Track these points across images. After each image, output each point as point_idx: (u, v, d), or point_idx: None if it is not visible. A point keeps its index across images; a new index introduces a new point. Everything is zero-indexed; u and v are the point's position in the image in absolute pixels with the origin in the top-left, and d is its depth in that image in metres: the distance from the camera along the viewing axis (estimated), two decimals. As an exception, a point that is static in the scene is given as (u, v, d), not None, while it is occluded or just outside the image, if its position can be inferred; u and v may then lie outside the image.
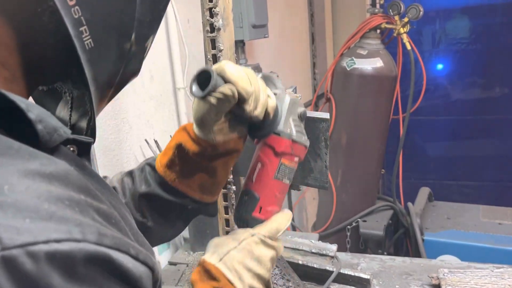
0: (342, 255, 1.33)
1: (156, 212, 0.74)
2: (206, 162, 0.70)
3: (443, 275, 1.15)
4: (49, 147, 0.40)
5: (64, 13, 0.41)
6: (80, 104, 0.48)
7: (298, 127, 0.74)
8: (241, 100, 0.64)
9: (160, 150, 1.36)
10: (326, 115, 0.87)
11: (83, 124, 0.50)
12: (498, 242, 1.96)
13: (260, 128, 0.71)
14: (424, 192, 2.45)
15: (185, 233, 1.53)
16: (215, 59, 0.94)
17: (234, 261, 0.64)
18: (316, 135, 0.88)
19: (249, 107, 0.65)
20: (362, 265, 1.30)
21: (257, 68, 1.91)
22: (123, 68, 0.50)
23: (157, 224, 0.74)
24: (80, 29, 0.42)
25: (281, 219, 0.70)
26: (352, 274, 1.14)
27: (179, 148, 0.70)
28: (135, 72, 0.54)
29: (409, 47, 2.14)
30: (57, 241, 0.32)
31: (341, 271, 1.15)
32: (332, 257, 1.20)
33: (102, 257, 0.34)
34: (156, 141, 1.36)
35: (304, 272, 1.16)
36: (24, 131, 0.39)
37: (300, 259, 1.19)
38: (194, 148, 0.69)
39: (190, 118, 1.56)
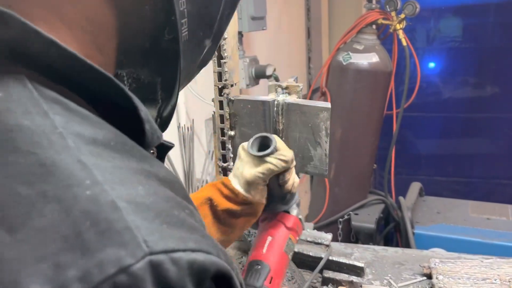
0: (335, 245, 1.35)
1: None
2: (230, 219, 0.75)
3: (434, 264, 1.18)
4: (149, 148, 0.39)
5: (174, 2, 0.40)
6: (141, 91, 0.45)
7: (299, 210, 0.85)
8: (287, 168, 0.73)
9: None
10: (327, 105, 0.89)
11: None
12: (486, 236, 2.01)
13: (278, 202, 0.81)
14: (415, 187, 2.49)
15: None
16: (219, 47, 0.95)
17: None
18: (316, 124, 0.90)
19: (288, 175, 0.74)
20: (356, 254, 1.33)
21: (254, 60, 1.92)
22: (199, 61, 0.50)
23: None
24: (182, 21, 0.42)
25: None
26: (347, 262, 1.16)
27: (209, 201, 0.75)
28: (204, 65, 0.54)
29: (404, 43, 2.17)
30: (193, 250, 0.30)
31: (336, 259, 1.17)
32: (327, 245, 1.22)
33: (226, 273, 0.32)
34: (155, 129, 1.37)
35: (300, 260, 1.18)
36: (129, 128, 0.36)
37: (296, 247, 1.21)
38: (225, 203, 0.74)
39: (188, 109, 1.58)
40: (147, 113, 0.37)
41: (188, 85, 1.67)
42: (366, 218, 2.26)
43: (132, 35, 0.42)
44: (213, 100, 1.01)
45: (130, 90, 0.44)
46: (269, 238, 0.78)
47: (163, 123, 0.47)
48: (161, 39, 0.42)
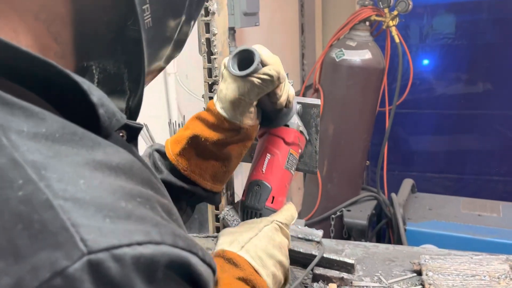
0: (327, 241, 1.36)
1: None
2: (221, 149, 0.70)
3: (424, 261, 1.18)
4: (107, 133, 0.37)
5: None
6: (109, 82, 0.45)
7: (299, 120, 0.78)
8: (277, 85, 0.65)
9: (150, 135, 1.37)
10: (317, 101, 0.88)
11: (115, 103, 0.46)
12: (477, 232, 2.02)
13: (275, 118, 0.74)
14: (407, 183, 2.50)
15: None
16: (208, 43, 0.95)
17: (257, 248, 0.62)
18: (307, 121, 0.90)
19: (280, 91, 0.66)
20: (347, 251, 1.33)
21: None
22: (169, 50, 0.48)
23: None
24: (144, 7, 0.40)
25: (292, 209, 0.71)
26: (337, 258, 1.16)
27: (194, 138, 0.69)
28: (175, 54, 0.53)
29: (397, 40, 2.17)
30: (139, 243, 0.28)
31: (326, 255, 1.17)
32: (318, 242, 1.22)
33: (181, 261, 0.31)
34: (146, 125, 1.36)
35: (290, 257, 1.18)
36: (82, 114, 0.35)
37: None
38: (212, 135, 0.68)
39: (179, 104, 1.57)
40: (101, 97, 0.36)
41: (179, 80, 1.65)
42: (359, 214, 2.27)
43: (90, 23, 0.41)
44: (203, 97, 1.00)
45: (98, 82, 0.44)
46: (268, 156, 0.72)
47: (132, 114, 0.46)
48: (125, 27, 0.41)
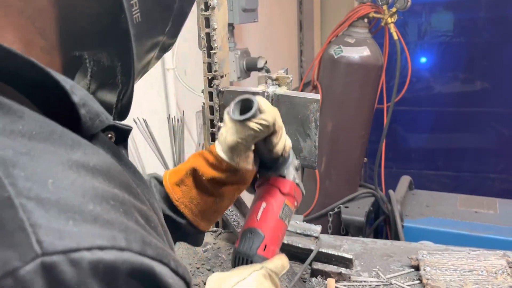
0: (325, 237, 1.36)
1: None
2: (216, 187, 0.72)
3: (422, 256, 1.19)
4: (90, 133, 0.37)
5: None
6: (102, 75, 0.45)
7: (297, 174, 0.80)
8: (273, 132, 0.69)
9: (148, 130, 1.37)
10: (316, 96, 0.89)
11: (107, 97, 0.47)
12: (474, 229, 2.03)
13: (271, 167, 0.76)
14: (405, 180, 2.50)
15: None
16: (208, 38, 0.95)
17: None
18: (306, 116, 0.90)
19: (276, 139, 0.70)
20: (345, 246, 1.33)
21: (246, 53, 1.92)
22: (161, 44, 0.49)
23: None
24: (131, 2, 0.40)
25: (284, 259, 0.72)
26: (335, 253, 1.17)
27: (193, 171, 0.72)
28: (169, 48, 0.53)
29: (396, 37, 2.17)
30: (101, 248, 0.28)
31: (325, 250, 1.18)
32: (316, 237, 1.23)
33: (145, 270, 0.30)
34: (145, 120, 1.36)
35: (289, 252, 1.18)
36: (64, 113, 0.35)
37: (285, 239, 1.21)
38: (209, 172, 0.71)
39: (178, 100, 1.57)
40: (84, 97, 0.36)
41: (178, 76, 1.65)
42: (356, 211, 2.27)
43: (76, 17, 0.41)
44: (202, 91, 1.00)
45: (92, 74, 0.45)
46: (263, 205, 0.74)
47: (123, 109, 0.47)
48: (115, 21, 0.42)
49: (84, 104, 0.36)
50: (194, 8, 1.02)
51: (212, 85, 0.97)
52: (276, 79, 0.94)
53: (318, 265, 1.18)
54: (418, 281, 1.14)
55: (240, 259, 0.71)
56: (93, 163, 0.32)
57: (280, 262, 0.70)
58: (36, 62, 0.34)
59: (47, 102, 0.36)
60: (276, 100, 0.92)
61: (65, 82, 0.35)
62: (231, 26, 1.82)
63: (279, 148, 0.72)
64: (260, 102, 0.68)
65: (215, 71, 0.96)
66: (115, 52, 0.44)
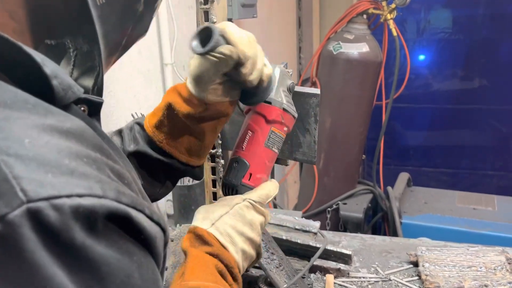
0: (323, 233, 1.36)
1: (145, 170, 0.74)
2: (195, 124, 0.71)
3: (421, 252, 1.19)
4: (63, 104, 0.39)
5: None
6: (84, 61, 0.47)
7: (287, 98, 0.77)
8: (239, 63, 0.64)
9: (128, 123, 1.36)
10: (316, 91, 0.88)
11: (86, 82, 0.49)
12: (472, 226, 2.03)
13: (252, 96, 0.72)
14: (403, 177, 2.50)
15: (169, 209, 1.53)
16: (207, 32, 0.94)
17: (226, 225, 0.65)
18: (306, 110, 0.89)
19: (245, 70, 0.65)
20: (343, 243, 1.33)
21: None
22: (131, 27, 0.50)
23: (147, 183, 0.75)
24: None
25: (270, 187, 0.72)
26: (334, 249, 1.17)
27: (169, 109, 0.70)
28: (142, 32, 0.54)
29: (395, 34, 2.16)
30: (79, 195, 0.31)
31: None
32: (315, 233, 1.22)
33: (121, 214, 0.34)
34: (143, 115, 1.35)
35: (288, 248, 1.18)
36: (37, 86, 0.37)
37: (284, 235, 1.21)
38: (184, 108, 0.69)
39: (177, 95, 1.56)
40: (55, 69, 0.38)
41: (176, 71, 1.64)
42: (354, 207, 2.27)
43: (47, 0, 0.43)
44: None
45: (75, 63, 0.47)
46: (249, 133, 0.73)
47: (98, 90, 0.48)
48: (79, 4, 0.43)
49: (56, 76, 0.38)
50: (194, 2, 1.01)
51: (211, 79, 0.97)
52: (276, 74, 0.94)
53: (317, 261, 1.17)
54: (417, 277, 1.14)
55: (227, 189, 0.71)
56: (66, 127, 0.35)
57: (265, 191, 0.70)
58: (9, 37, 0.36)
59: (21, 75, 0.38)
60: (275, 95, 0.92)
61: (37, 55, 0.37)
62: (229, 21, 1.81)
63: (252, 78, 0.67)
64: (226, 30, 0.63)
65: (214, 65, 0.95)
66: (89, 36, 0.45)
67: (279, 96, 0.75)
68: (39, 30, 0.44)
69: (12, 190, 0.29)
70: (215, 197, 1.09)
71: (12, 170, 0.30)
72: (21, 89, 0.36)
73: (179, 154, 0.73)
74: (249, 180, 0.71)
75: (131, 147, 0.73)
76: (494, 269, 1.10)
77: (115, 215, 0.33)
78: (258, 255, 0.70)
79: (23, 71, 0.37)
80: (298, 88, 0.91)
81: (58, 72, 0.38)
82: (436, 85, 3.14)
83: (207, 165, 1.04)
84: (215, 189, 1.09)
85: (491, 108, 3.03)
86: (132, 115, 1.35)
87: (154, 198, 0.81)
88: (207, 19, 0.92)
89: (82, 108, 0.44)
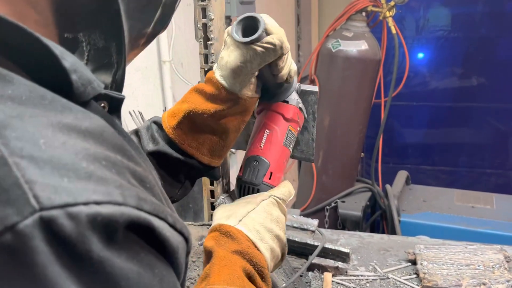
0: (322, 231, 1.36)
1: (164, 171, 0.72)
2: (219, 122, 0.68)
3: (419, 250, 1.19)
4: (82, 100, 0.36)
5: None
6: (98, 56, 0.45)
7: (299, 98, 0.77)
8: (280, 55, 0.63)
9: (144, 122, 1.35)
10: (315, 88, 0.87)
11: (102, 78, 0.46)
12: (471, 224, 2.03)
13: (274, 93, 0.72)
14: (402, 175, 2.50)
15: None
16: (205, 29, 0.93)
17: (255, 222, 0.62)
18: (304, 108, 0.89)
19: (282, 63, 0.64)
20: (342, 240, 1.33)
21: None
22: (154, 22, 0.48)
23: (166, 183, 0.72)
24: None
25: (289, 185, 0.70)
26: (332, 247, 1.16)
27: (191, 112, 0.68)
28: (164, 26, 0.52)
29: (394, 31, 2.16)
30: (97, 203, 0.28)
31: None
32: (313, 231, 1.22)
33: (143, 223, 0.31)
34: (140, 113, 1.35)
35: (288, 248, 1.18)
36: (55, 80, 0.35)
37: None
38: (209, 107, 0.66)
39: (174, 92, 1.55)
40: (75, 63, 0.35)
41: (174, 68, 1.63)
42: (353, 206, 2.27)
43: None
44: (199, 83, 0.99)
45: (88, 58, 0.44)
46: (267, 132, 0.71)
47: (118, 87, 0.46)
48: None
49: (76, 70, 0.35)
50: (188, 2, 1.00)
51: (208, 76, 0.96)
52: (274, 71, 0.93)
53: (315, 259, 1.17)
54: (415, 275, 1.14)
55: (246, 188, 0.69)
56: (84, 126, 0.32)
57: (287, 188, 0.69)
58: (25, 27, 0.33)
59: (38, 69, 0.35)
60: (273, 92, 0.91)
61: (55, 47, 0.34)
62: (228, 19, 1.80)
63: (284, 73, 0.67)
64: (267, 21, 0.62)
65: (212, 62, 0.95)
66: (108, 31, 0.43)
67: (294, 96, 0.75)
68: (62, 24, 0.41)
69: (24, 196, 0.27)
70: (212, 195, 1.08)
71: (25, 173, 0.27)
72: (37, 82, 0.33)
73: (201, 155, 0.71)
74: (269, 179, 0.69)
75: (150, 147, 0.70)
76: (492, 267, 1.10)
77: (136, 224, 0.30)
78: (283, 255, 0.67)
79: (40, 64, 0.35)
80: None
81: (78, 66, 0.36)
82: (435, 83, 3.14)
83: (205, 163, 1.03)
84: (212, 187, 1.08)
85: (490, 106, 3.03)
86: (130, 113, 1.34)
87: (173, 200, 0.79)
88: (204, 16, 0.92)
89: (102, 105, 0.42)
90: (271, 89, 0.71)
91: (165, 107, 1.42)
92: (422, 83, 3.14)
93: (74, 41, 0.44)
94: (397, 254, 1.25)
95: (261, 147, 0.70)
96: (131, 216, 0.30)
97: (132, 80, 1.41)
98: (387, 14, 2.13)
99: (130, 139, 0.43)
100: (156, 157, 0.71)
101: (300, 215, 1.37)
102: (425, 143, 3.24)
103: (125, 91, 1.46)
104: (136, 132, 0.74)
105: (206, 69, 0.96)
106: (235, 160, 2.09)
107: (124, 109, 1.39)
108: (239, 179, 0.71)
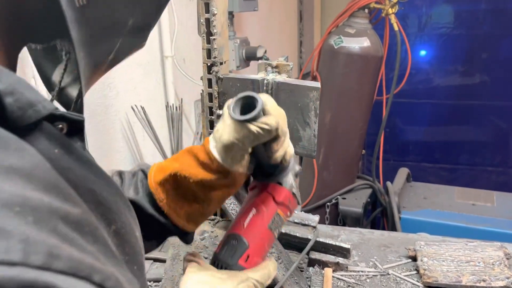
0: (322, 227, 1.36)
1: None
2: (204, 191, 0.66)
3: (420, 247, 1.19)
4: (22, 124, 0.32)
5: None
6: (72, 68, 0.42)
7: (294, 182, 0.73)
8: (275, 137, 0.62)
9: (146, 118, 1.36)
10: (316, 84, 0.88)
11: (73, 92, 0.43)
12: (471, 221, 2.04)
13: (268, 173, 0.70)
14: (402, 172, 2.50)
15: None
16: (208, 24, 0.93)
17: None
18: (306, 104, 0.89)
19: (276, 146, 0.63)
20: (342, 237, 1.33)
21: (245, 42, 1.90)
22: (122, 39, 0.43)
23: None
24: None
25: (271, 267, 0.67)
26: (333, 243, 1.17)
27: (178, 173, 0.65)
28: (137, 46, 0.48)
29: (396, 28, 2.15)
30: None
31: (322, 240, 1.18)
32: (314, 227, 1.23)
33: (41, 286, 0.25)
34: (142, 108, 1.35)
35: (287, 241, 1.18)
36: None
37: (283, 228, 1.21)
38: (197, 173, 0.64)
39: (177, 87, 1.55)
40: (14, 84, 0.32)
41: (177, 64, 1.63)
42: (354, 202, 2.27)
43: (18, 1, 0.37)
44: (201, 78, 0.99)
45: (66, 65, 0.42)
46: (253, 211, 0.68)
47: (79, 103, 0.43)
48: (60, 5, 0.36)
49: (13, 92, 0.32)
50: (194, -6, 1.00)
51: (211, 71, 0.96)
52: (276, 67, 0.93)
53: (316, 255, 1.18)
54: (415, 272, 1.15)
55: (219, 266, 0.66)
56: (9, 162, 0.28)
57: (266, 270, 0.66)
58: None
59: None
60: (275, 88, 0.91)
61: None
62: (230, 14, 1.80)
63: (278, 155, 0.65)
64: (266, 101, 0.61)
65: (215, 57, 0.95)
66: (68, 40, 0.39)
67: (290, 178, 0.71)
68: (15, 34, 0.38)
69: None
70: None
71: None
72: None
73: (177, 218, 0.67)
74: (245, 261, 0.66)
75: (130, 194, 0.67)
76: (492, 264, 1.10)
77: None
78: None
79: None
80: (298, 81, 0.91)
81: (17, 87, 0.32)
82: (437, 81, 3.14)
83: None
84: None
85: (492, 104, 3.02)
86: (132, 108, 1.35)
87: None
88: (207, 10, 0.92)
89: (60, 126, 0.38)
90: (266, 168, 0.69)
91: (167, 102, 1.43)
92: (424, 80, 3.13)
93: (53, 50, 0.40)
94: (398, 250, 1.25)
95: (244, 225, 0.67)
96: (23, 281, 0.25)
97: (134, 74, 1.41)
98: (390, 11, 2.13)
99: (91, 165, 0.39)
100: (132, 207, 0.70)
101: (301, 211, 1.37)
102: (426, 141, 3.24)
103: (127, 86, 1.47)
104: (120, 174, 0.71)
105: (208, 64, 0.97)
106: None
107: (126, 104, 1.40)
108: (215, 254, 0.68)
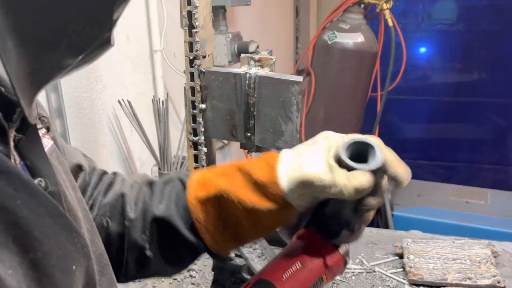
0: (311, 224, 1.35)
1: (165, 242, 0.60)
2: (251, 220, 0.56)
3: (407, 244, 1.18)
4: None
5: None
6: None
7: (347, 251, 0.64)
8: (376, 193, 0.51)
9: (133, 112, 1.34)
10: (298, 78, 0.87)
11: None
12: (464, 219, 2.03)
13: (331, 229, 0.59)
14: (397, 169, 2.49)
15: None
16: (190, 16, 0.92)
17: None
18: (288, 98, 0.88)
19: (373, 201, 0.51)
20: (330, 233, 1.32)
21: (237, 36, 1.88)
22: (78, 32, 0.34)
23: (159, 256, 0.61)
24: None
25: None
26: (319, 240, 1.16)
27: (224, 194, 0.55)
28: (101, 44, 0.37)
29: (391, 24, 2.13)
30: None
31: (308, 237, 1.17)
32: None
33: None
34: (129, 102, 1.34)
35: (272, 237, 1.17)
36: None
37: (269, 225, 1.20)
38: (248, 199, 0.54)
39: (166, 82, 1.54)
40: None
41: (166, 58, 1.61)
42: (347, 199, 2.26)
43: None
44: (184, 72, 0.98)
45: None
46: (298, 264, 0.59)
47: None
48: None
49: None
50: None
51: (193, 65, 0.95)
52: (259, 60, 0.92)
53: (301, 251, 1.17)
54: (401, 269, 1.14)
55: None
56: None
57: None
58: None
59: None
60: (257, 82, 0.90)
61: None
62: (222, 8, 1.78)
63: (370, 214, 0.53)
64: (384, 151, 0.51)
65: (197, 50, 0.94)
66: None
67: (347, 244, 0.62)
68: None
69: None
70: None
71: None
72: None
73: (213, 243, 0.59)
74: None
75: (160, 210, 0.59)
76: (479, 262, 1.09)
77: None
78: None
79: None
80: (280, 75, 0.90)
81: None
82: (435, 77, 3.12)
83: (190, 153, 1.02)
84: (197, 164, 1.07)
85: (488, 101, 3.00)
86: (119, 102, 1.33)
87: (161, 274, 0.67)
88: (189, 3, 0.90)
89: (14, 134, 0.35)
90: (331, 224, 0.58)
91: (153, 96, 1.41)
92: (421, 77, 3.11)
93: None
94: (385, 247, 1.24)
95: (283, 277, 0.58)
96: None
97: (122, 69, 1.40)
98: (384, 6, 2.11)
99: (4, 177, 0.33)
100: (161, 225, 0.59)
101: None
102: (423, 138, 3.22)
103: (115, 80, 1.45)
104: (151, 184, 0.63)
105: (191, 57, 0.95)
106: (229, 152, 2.08)
107: (113, 98, 1.39)
108: None
